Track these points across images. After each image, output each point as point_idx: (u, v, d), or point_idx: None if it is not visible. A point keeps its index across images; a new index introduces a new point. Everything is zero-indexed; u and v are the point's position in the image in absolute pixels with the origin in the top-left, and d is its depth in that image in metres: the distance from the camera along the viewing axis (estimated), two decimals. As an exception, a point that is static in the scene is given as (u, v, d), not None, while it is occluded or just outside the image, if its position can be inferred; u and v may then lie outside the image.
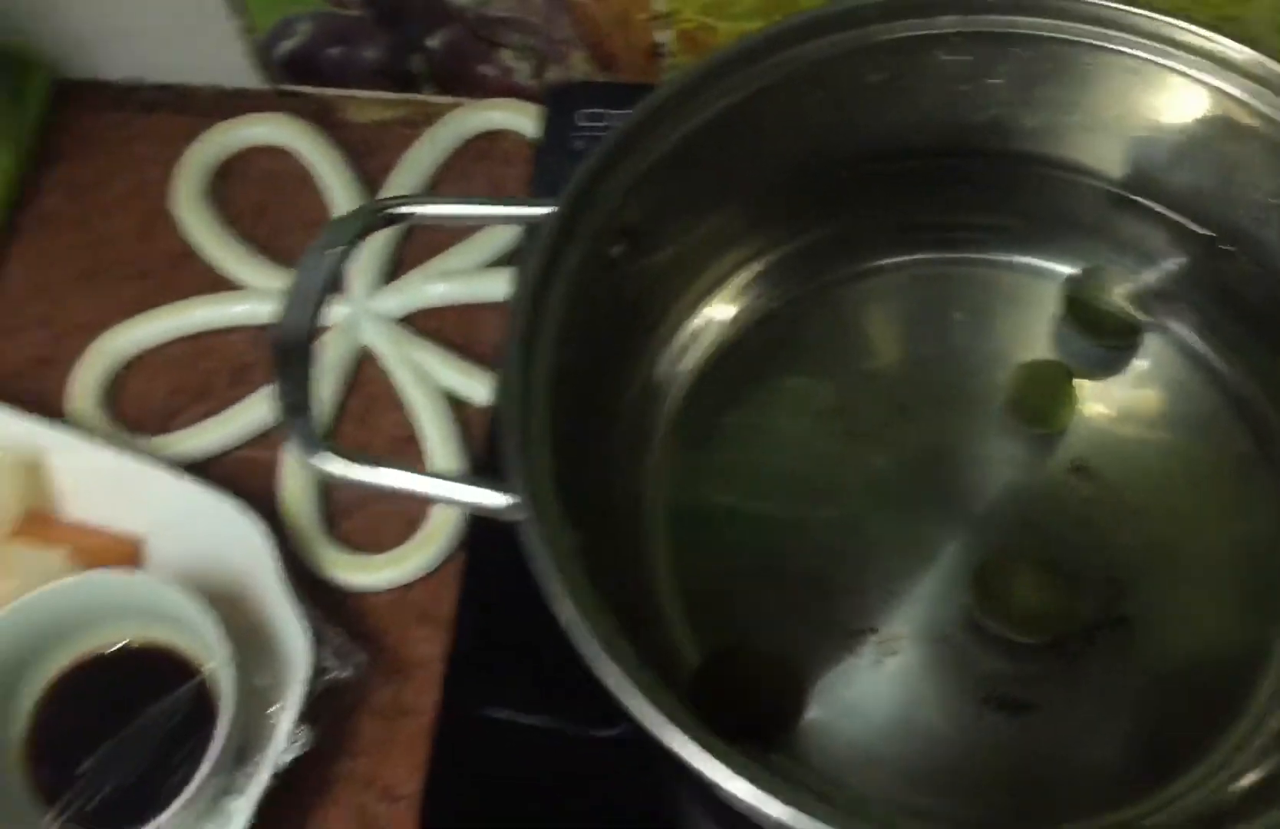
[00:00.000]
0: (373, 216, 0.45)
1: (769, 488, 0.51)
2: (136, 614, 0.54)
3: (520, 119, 0.66)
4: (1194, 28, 0.48)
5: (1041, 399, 0.52)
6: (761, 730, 0.45)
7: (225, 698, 0.51)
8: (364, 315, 0.62)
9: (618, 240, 0.45)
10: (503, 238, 0.63)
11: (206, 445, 0.60)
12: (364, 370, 0.62)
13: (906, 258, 0.55)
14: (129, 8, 0.67)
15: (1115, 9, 0.48)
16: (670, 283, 0.50)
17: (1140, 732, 0.47)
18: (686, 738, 0.35)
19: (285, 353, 0.42)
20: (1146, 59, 0.48)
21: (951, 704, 0.47)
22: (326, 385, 0.60)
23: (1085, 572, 0.49)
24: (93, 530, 0.57)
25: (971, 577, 0.48)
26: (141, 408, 0.62)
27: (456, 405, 0.60)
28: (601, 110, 0.61)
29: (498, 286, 0.62)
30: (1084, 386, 0.53)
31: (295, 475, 0.59)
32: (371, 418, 0.61)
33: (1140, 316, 0.53)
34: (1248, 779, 0.45)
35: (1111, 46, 0.49)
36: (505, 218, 0.45)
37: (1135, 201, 0.52)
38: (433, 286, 0.63)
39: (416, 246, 0.64)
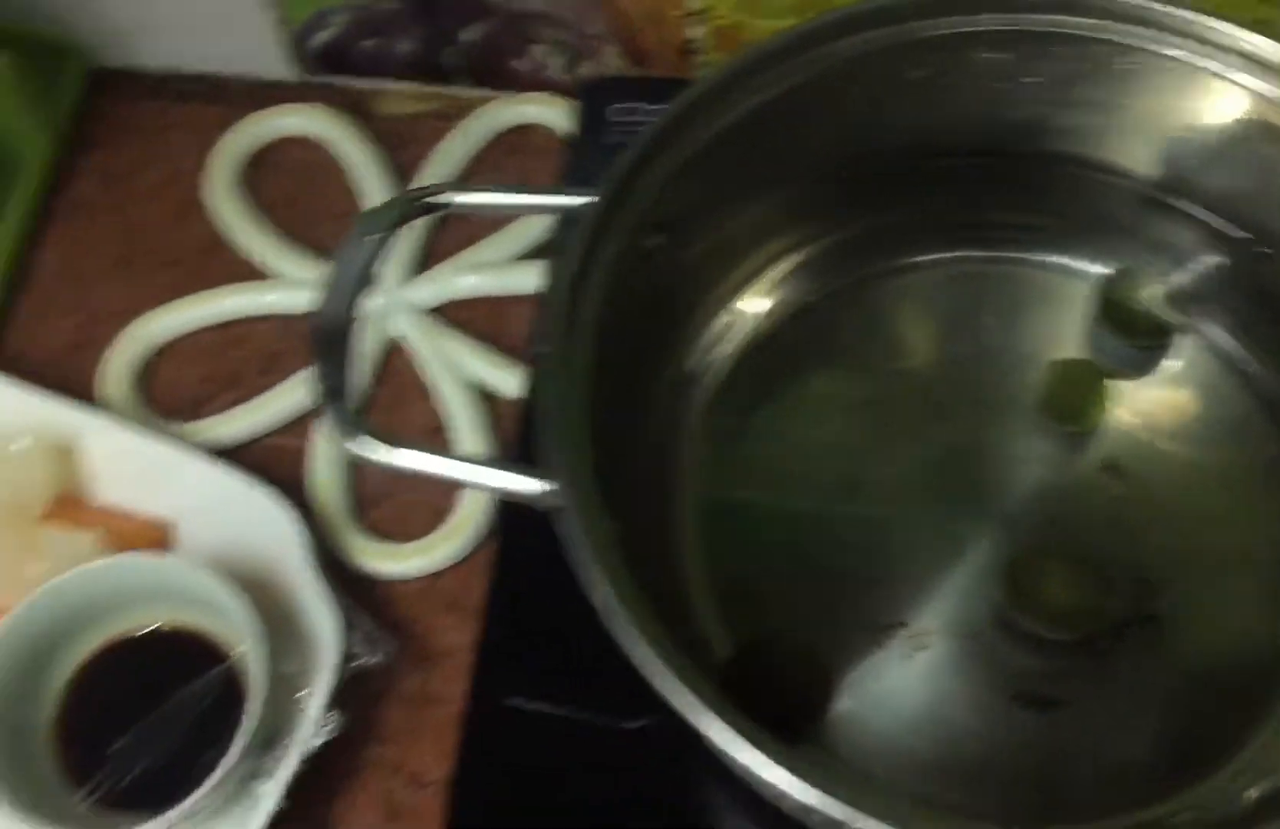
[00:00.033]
0: (411, 204, 0.45)
1: (800, 481, 0.51)
2: (167, 598, 0.54)
3: (552, 113, 0.67)
4: (1234, 30, 0.48)
5: (1074, 397, 0.52)
6: (790, 722, 0.45)
7: (255, 682, 0.51)
8: (395, 306, 0.62)
9: (655, 232, 0.45)
10: (533, 231, 0.64)
11: (236, 433, 0.61)
12: (394, 360, 0.62)
13: (941, 255, 0.55)
14: (166, -1, 0.68)
15: (1157, 10, 0.48)
16: (706, 275, 0.51)
17: (1168, 730, 0.47)
18: (724, 725, 0.35)
19: (324, 338, 0.42)
20: (1186, 61, 0.48)
21: (980, 699, 0.47)
22: (359, 375, 0.61)
23: (1115, 570, 0.49)
24: (123, 514, 0.58)
25: (1003, 572, 0.48)
26: (172, 394, 0.62)
27: (485, 397, 0.61)
28: (634, 105, 0.61)
29: (528, 280, 0.63)
30: (1116, 387, 0.53)
31: (324, 463, 0.59)
32: (401, 407, 0.61)
33: (1173, 317, 0.53)
34: (1276, 780, 0.45)
35: (1151, 47, 0.49)
36: (543, 207, 0.45)
37: (1171, 202, 0.52)
38: (463, 278, 0.63)
39: (447, 239, 0.65)
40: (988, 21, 0.48)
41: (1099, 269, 0.54)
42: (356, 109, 0.69)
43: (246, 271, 0.65)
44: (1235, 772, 0.46)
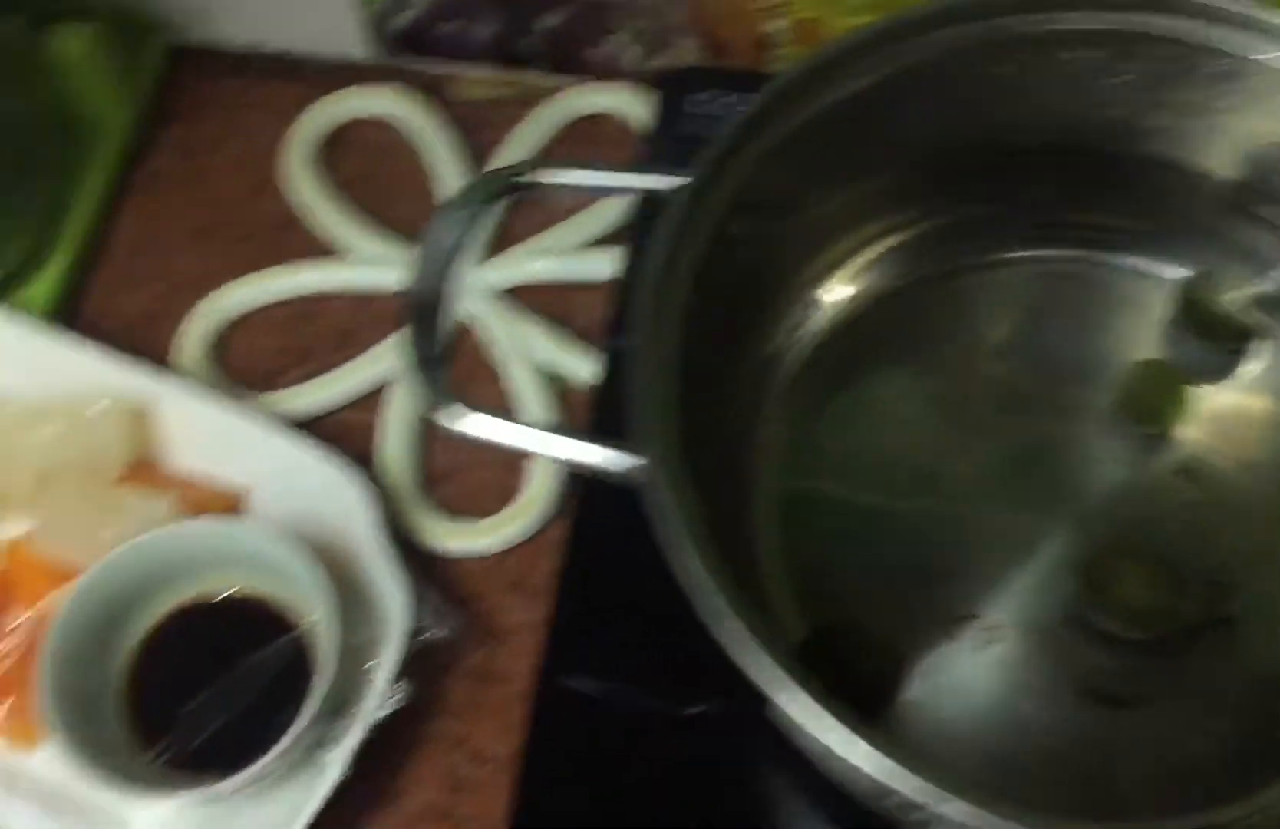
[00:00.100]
0: (502, 181, 0.46)
1: (876, 471, 0.51)
2: (239, 564, 0.55)
3: (626, 103, 0.67)
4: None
5: (1153, 398, 0.52)
6: (860, 709, 0.45)
7: (325, 651, 0.52)
8: (467, 287, 0.63)
9: (742, 217, 0.45)
10: (604, 219, 0.64)
11: (308, 406, 0.61)
12: (465, 340, 0.63)
13: (1024, 253, 0.55)
14: (248, -24, 0.69)
15: (1249, 13, 0.47)
16: (790, 262, 0.51)
17: (1240, 733, 0.46)
18: (810, 701, 0.35)
19: (417, 311, 0.43)
20: (1276, 66, 0.48)
21: (1050, 694, 0.47)
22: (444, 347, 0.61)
23: (1189, 572, 0.49)
24: (197, 481, 0.59)
25: (1078, 570, 0.48)
26: (246, 366, 0.63)
27: (553, 380, 0.61)
28: (712, 95, 0.61)
29: (599, 266, 0.63)
30: (1194, 390, 0.53)
31: (395, 439, 0.60)
32: (470, 388, 0.62)
33: (1254, 323, 0.53)
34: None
35: (1242, 51, 0.48)
36: (634, 188, 0.45)
37: (1255, 208, 0.52)
38: (535, 262, 0.64)
39: (520, 223, 0.65)
40: (1079, 19, 0.48)
41: (1180, 272, 0.54)
42: (432, 92, 0.69)
43: (320, 248, 0.66)
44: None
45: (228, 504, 0.58)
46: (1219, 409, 0.53)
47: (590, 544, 0.54)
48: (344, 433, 0.60)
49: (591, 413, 0.58)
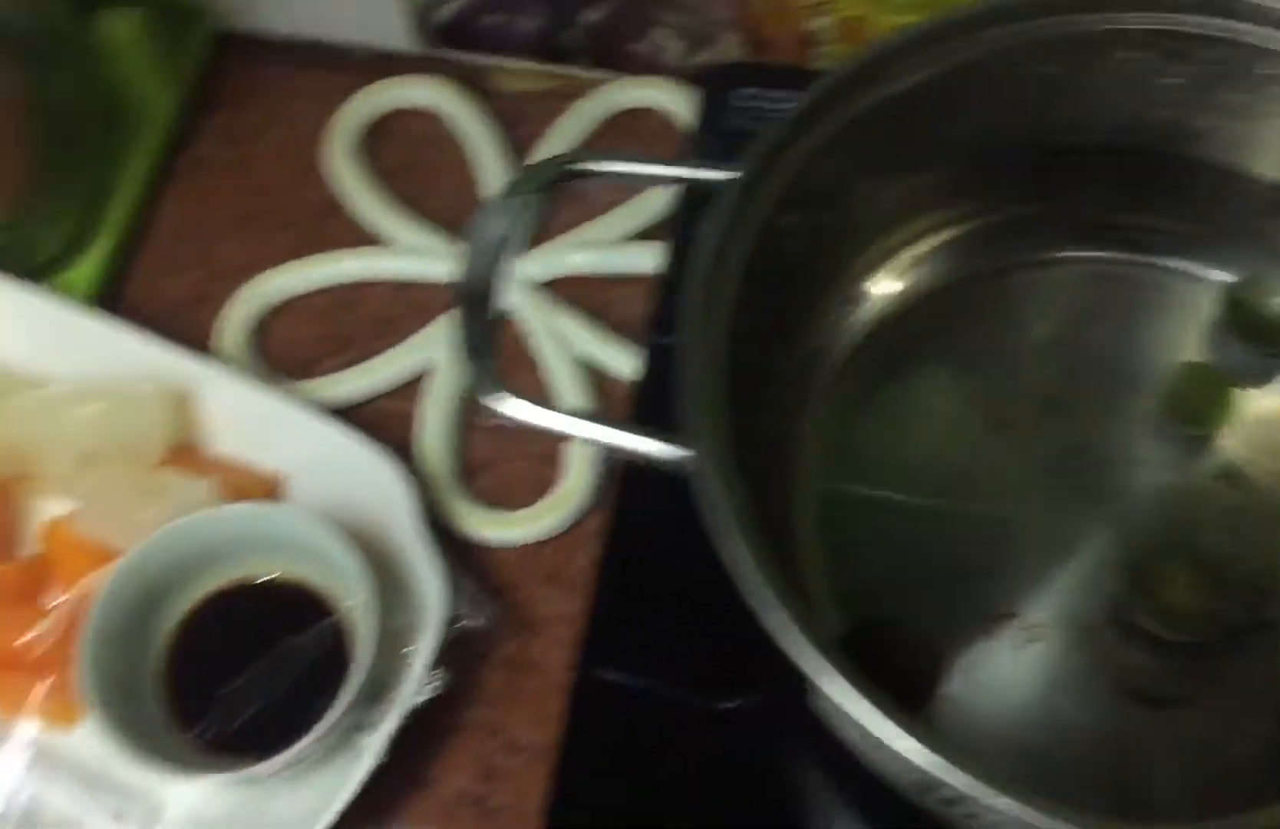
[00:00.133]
0: (557, 169, 0.46)
1: (917, 467, 0.52)
2: (278, 548, 0.55)
3: (667, 98, 0.67)
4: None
5: (1198, 400, 0.52)
6: (897, 703, 0.45)
7: (363, 636, 0.52)
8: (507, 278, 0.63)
9: (791, 211, 0.46)
10: (644, 213, 0.64)
11: (347, 393, 0.62)
12: (503, 332, 0.63)
13: (1072, 253, 0.55)
14: (294, -34, 0.70)
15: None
16: (838, 256, 0.51)
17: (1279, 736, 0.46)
18: (858, 693, 0.36)
19: (468, 298, 0.43)
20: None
21: (1090, 693, 0.47)
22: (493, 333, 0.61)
23: (1231, 575, 0.48)
24: (237, 465, 0.59)
25: (1122, 570, 0.48)
26: (286, 352, 0.64)
27: (591, 373, 0.61)
28: (756, 91, 0.62)
29: (638, 260, 0.63)
30: (1239, 394, 0.52)
31: (433, 428, 0.60)
32: (508, 378, 0.61)
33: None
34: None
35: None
36: (686, 179, 0.45)
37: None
38: (575, 255, 0.64)
39: (559, 216, 0.65)
40: (1131, 20, 0.48)
41: (1227, 276, 0.54)
42: (474, 84, 0.69)
43: (361, 237, 0.66)
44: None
45: (268, 490, 0.58)
46: (1264, 413, 0.53)
47: (629, 537, 0.55)
48: (382, 421, 0.61)
49: (633, 407, 0.59)
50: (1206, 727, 0.47)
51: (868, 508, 0.51)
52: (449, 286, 0.64)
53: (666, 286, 0.59)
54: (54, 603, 0.56)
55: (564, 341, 0.62)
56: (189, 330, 0.63)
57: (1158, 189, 0.52)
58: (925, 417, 0.53)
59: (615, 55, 0.68)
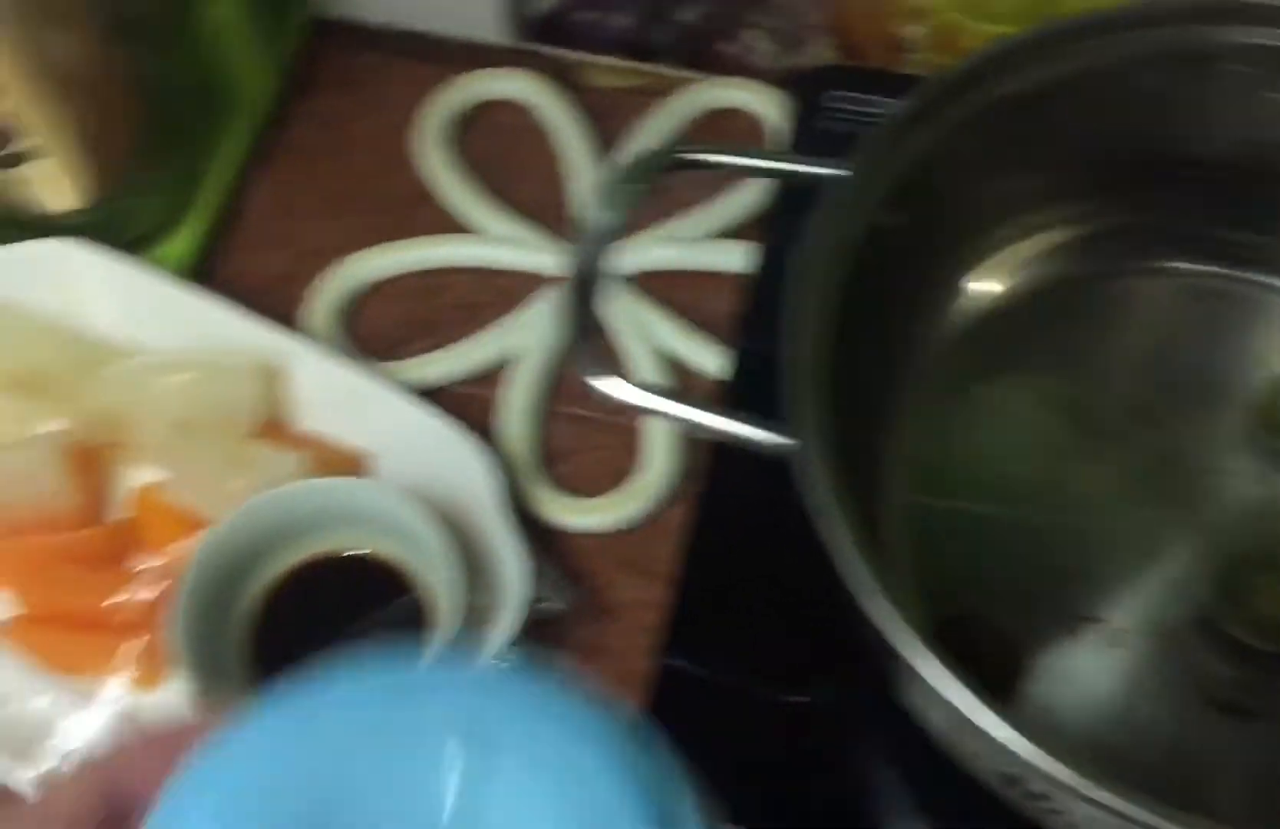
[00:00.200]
0: (669, 158, 0.47)
1: (1006, 467, 0.52)
2: (365, 524, 0.56)
3: (756, 99, 0.68)
4: None
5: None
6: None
7: (445, 613, 0.53)
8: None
9: (897, 207, 0.46)
10: (727, 211, 0.65)
11: (431, 376, 0.63)
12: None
13: (1174, 264, 0.55)
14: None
15: None
16: (940, 255, 0.51)
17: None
18: (957, 680, 0.36)
19: (580, 282, 0.44)
20: None
21: (1173, 701, 0.47)
22: (550, 333, 0.62)
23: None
24: (324, 442, 0.60)
25: (1212, 578, 0.48)
26: (372, 334, 0.64)
27: (674, 366, 0.62)
28: (848, 94, 0.62)
29: (722, 257, 0.64)
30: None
31: (516, 414, 0.61)
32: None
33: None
34: None
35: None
36: (796, 173, 0.46)
37: None
38: (661, 249, 0.64)
39: (643, 211, 0.66)
40: (1235, 34, 0.48)
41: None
42: (563, 78, 0.70)
43: (449, 224, 0.67)
44: None
45: (352, 467, 0.59)
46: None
47: (713, 529, 0.55)
48: (465, 405, 0.61)
49: (722, 401, 0.59)
50: (1280, 741, 0.47)
51: (954, 506, 0.51)
52: (535, 275, 0.65)
53: (757, 286, 0.60)
54: (141, 567, 0.58)
55: (648, 334, 0.62)
56: (276, 308, 0.64)
57: (1259, 205, 0.52)
58: (1015, 419, 0.53)
59: (705, 55, 0.69)
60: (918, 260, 0.49)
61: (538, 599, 0.55)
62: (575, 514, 0.59)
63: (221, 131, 0.69)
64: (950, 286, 0.53)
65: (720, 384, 0.60)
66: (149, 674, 0.55)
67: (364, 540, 0.56)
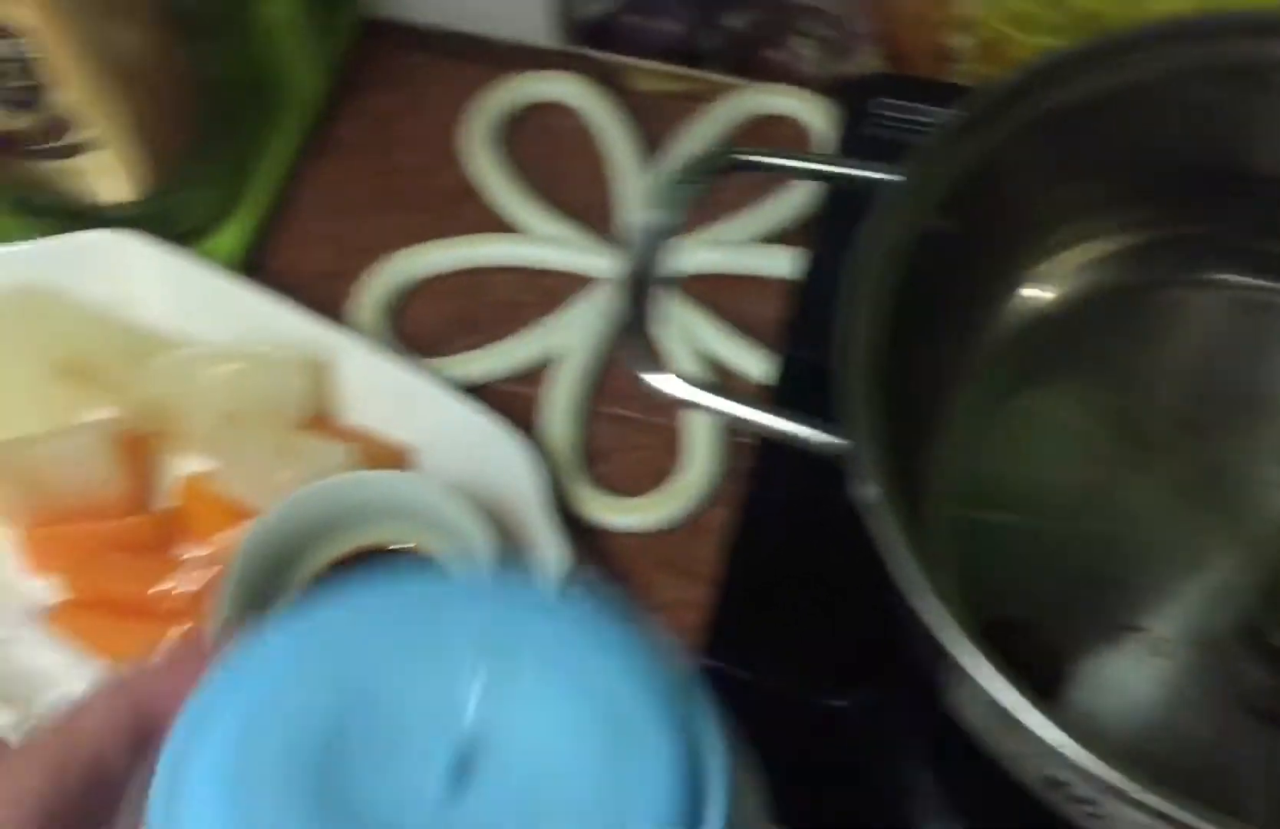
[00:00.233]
0: (724, 159, 0.47)
1: (1049, 475, 0.52)
2: (410, 518, 0.56)
3: (802, 106, 0.68)
4: None
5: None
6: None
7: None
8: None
9: (951, 213, 0.47)
10: (775, 216, 0.65)
11: (475, 373, 0.63)
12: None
13: (1223, 276, 0.55)
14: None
15: None
16: (993, 261, 0.52)
17: None
18: (1009, 685, 0.36)
19: (634, 277, 0.44)
20: None
21: (1216, 711, 0.47)
22: (593, 334, 0.63)
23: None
24: (369, 435, 0.60)
25: (1257, 589, 0.48)
26: (416, 331, 0.65)
27: (714, 368, 0.62)
28: (895, 103, 0.63)
29: (770, 261, 0.64)
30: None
31: (558, 413, 0.61)
32: (633, 372, 0.63)
33: None
34: None
35: None
36: (853, 179, 0.46)
37: None
38: (704, 253, 0.65)
39: (691, 214, 0.66)
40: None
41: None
42: (610, 82, 0.71)
43: (494, 223, 0.68)
44: None
45: (397, 461, 0.60)
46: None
47: (755, 531, 0.55)
48: (508, 403, 0.62)
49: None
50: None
51: (998, 512, 0.52)
52: (579, 276, 0.66)
53: (803, 291, 0.60)
54: (187, 556, 0.58)
55: (691, 336, 0.63)
56: (323, 303, 0.64)
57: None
58: (1061, 427, 0.53)
59: (752, 62, 0.69)
60: (968, 267, 0.49)
61: (579, 596, 0.55)
62: (616, 513, 0.59)
63: (272, 127, 0.69)
64: (999, 294, 0.53)
65: (764, 388, 0.61)
66: (194, 661, 0.56)
67: (408, 534, 0.57)
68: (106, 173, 0.62)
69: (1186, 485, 0.51)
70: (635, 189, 0.67)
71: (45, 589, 0.58)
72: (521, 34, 0.72)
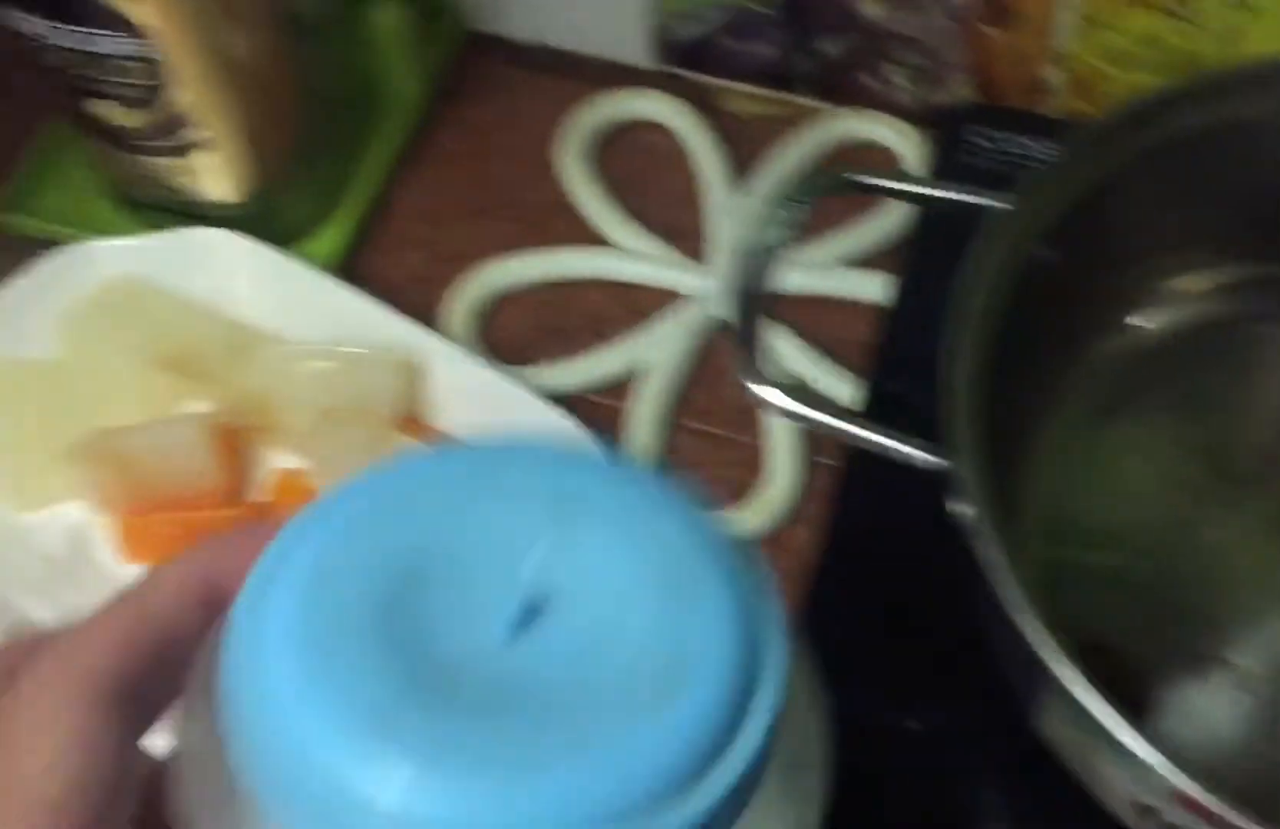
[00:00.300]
0: (834, 179, 0.48)
1: (1137, 504, 0.52)
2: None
3: (892, 134, 0.69)
4: None
5: None
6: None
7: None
8: (720, 290, 0.66)
9: (1055, 243, 0.47)
10: (863, 239, 0.66)
11: (561, 384, 0.64)
12: (714, 341, 0.65)
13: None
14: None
15: None
16: (1093, 290, 0.52)
17: None
18: (1111, 706, 0.37)
19: (743, 294, 0.46)
20: None
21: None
22: (677, 349, 0.64)
23: None
24: (460, 440, 0.62)
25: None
26: (505, 339, 0.66)
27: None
28: (988, 131, 0.63)
29: (859, 285, 0.65)
30: None
31: (644, 427, 0.62)
32: (717, 387, 0.64)
33: None
34: None
35: None
36: (960, 205, 0.47)
37: None
38: (789, 275, 0.66)
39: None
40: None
41: None
42: (702, 103, 0.72)
43: (584, 237, 0.69)
44: None
45: (486, 465, 0.61)
46: None
47: (834, 550, 0.56)
48: (593, 414, 0.63)
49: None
50: None
51: (1087, 539, 0.52)
52: (666, 291, 0.67)
53: (894, 316, 0.61)
54: (278, 549, 0.60)
55: (775, 357, 0.64)
56: (415, 307, 0.66)
57: None
58: (1151, 458, 0.53)
59: (844, 88, 0.70)
60: (1068, 297, 0.50)
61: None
62: (699, 526, 0.60)
63: (373, 134, 0.71)
64: (1095, 325, 0.53)
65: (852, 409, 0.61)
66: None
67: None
68: (214, 172, 0.64)
69: (1275, 520, 0.52)
70: (724, 209, 0.68)
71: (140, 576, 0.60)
72: (618, 53, 0.74)
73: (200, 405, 0.62)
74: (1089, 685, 0.37)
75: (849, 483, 0.57)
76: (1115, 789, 0.40)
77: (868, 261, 0.66)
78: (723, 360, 0.65)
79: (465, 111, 0.74)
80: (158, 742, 0.28)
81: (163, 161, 0.63)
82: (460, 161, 0.72)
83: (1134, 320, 0.54)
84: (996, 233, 0.46)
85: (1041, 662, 0.38)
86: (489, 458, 0.28)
